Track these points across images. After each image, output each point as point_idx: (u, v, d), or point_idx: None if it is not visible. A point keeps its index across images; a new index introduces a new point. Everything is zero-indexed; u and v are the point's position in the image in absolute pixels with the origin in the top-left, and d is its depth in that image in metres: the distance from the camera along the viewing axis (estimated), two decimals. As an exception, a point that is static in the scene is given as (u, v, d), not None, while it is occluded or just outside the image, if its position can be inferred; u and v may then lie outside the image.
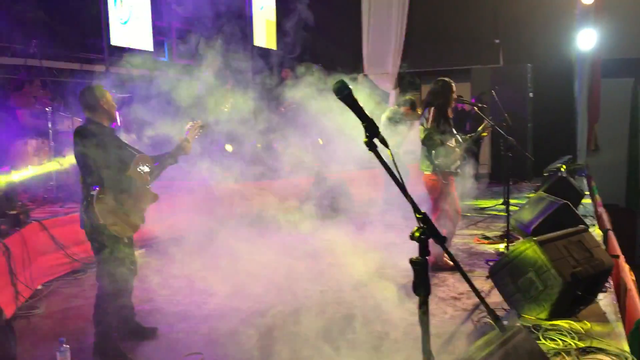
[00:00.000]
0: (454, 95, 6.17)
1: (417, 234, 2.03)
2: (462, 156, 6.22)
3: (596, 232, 6.93)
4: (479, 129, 6.41)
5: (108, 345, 4.24)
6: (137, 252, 6.83)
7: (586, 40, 12.72)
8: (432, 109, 6.03)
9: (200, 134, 4.83)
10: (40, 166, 7.45)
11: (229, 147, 9.82)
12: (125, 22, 10.06)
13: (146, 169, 4.44)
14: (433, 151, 5.97)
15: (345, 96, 1.99)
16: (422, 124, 6.08)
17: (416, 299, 2.08)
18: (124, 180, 4.26)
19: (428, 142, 5.99)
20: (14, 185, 6.03)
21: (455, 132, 6.22)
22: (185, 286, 5.88)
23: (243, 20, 12.36)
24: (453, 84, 6.16)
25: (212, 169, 8.93)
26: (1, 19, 7.97)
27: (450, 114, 6.21)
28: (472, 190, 10.70)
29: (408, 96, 9.73)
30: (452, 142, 6.08)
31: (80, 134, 4.21)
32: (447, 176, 6.03)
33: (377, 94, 10.80)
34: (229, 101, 10.14)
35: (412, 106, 9.42)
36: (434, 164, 5.98)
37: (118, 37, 9.81)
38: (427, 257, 2.03)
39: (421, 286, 2.01)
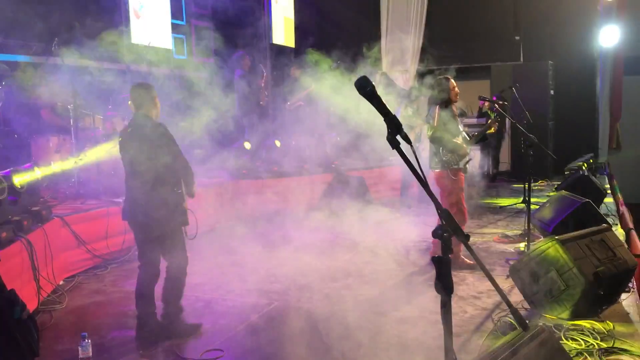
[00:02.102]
0: (456, 91, 6.21)
1: (439, 232, 2.01)
2: (470, 152, 6.22)
3: (618, 231, 6.84)
4: (487, 123, 6.44)
5: (148, 327, 4.37)
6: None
7: (608, 37, 12.55)
8: (437, 107, 6.09)
9: None
10: (62, 163, 7.53)
11: (247, 145, 9.86)
12: (146, 20, 10.12)
13: None
14: (441, 148, 6.01)
15: (368, 92, 1.97)
16: (428, 122, 6.18)
17: (435, 297, 2.06)
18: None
19: (434, 140, 6.05)
20: (36, 182, 6.09)
21: (462, 129, 6.24)
22: (204, 282, 5.90)
23: (262, 18, 12.38)
24: (452, 80, 6.21)
25: (230, 166, 8.99)
26: (23, 18, 8.06)
27: (456, 111, 6.27)
28: (489, 188, 10.65)
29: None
30: (459, 139, 6.08)
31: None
32: (456, 172, 6.04)
33: (396, 91, 10.75)
34: (264, 98, 10.23)
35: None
36: (442, 161, 6.02)
37: (138, 34, 9.89)
38: (449, 256, 2.02)
39: (444, 285, 1.99)
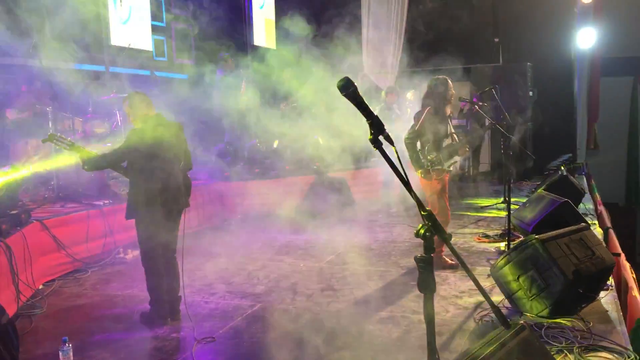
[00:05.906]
0: (452, 92, 6.06)
1: (422, 232, 2.03)
2: (458, 153, 6.15)
3: (597, 230, 6.93)
4: (458, 143, 6.16)
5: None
6: (135, 253, 6.87)
7: (586, 38, 12.73)
8: (427, 109, 5.96)
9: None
10: (40, 166, 7.43)
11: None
12: (126, 22, 10.05)
13: None
14: (426, 148, 5.92)
15: (351, 93, 1.98)
16: (414, 121, 6.04)
17: (417, 297, 2.08)
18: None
19: (408, 144, 5.96)
20: (15, 185, 6.01)
21: (453, 130, 6.19)
22: (186, 285, 5.84)
23: (242, 19, 12.35)
24: (449, 81, 6.05)
25: (212, 168, 8.94)
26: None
27: (449, 112, 6.15)
28: (470, 188, 10.74)
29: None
30: (447, 141, 6.04)
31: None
32: (439, 174, 6.00)
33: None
34: (243, 99, 10.19)
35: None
36: (424, 161, 5.89)
37: (118, 36, 9.80)
38: (432, 255, 2.03)
39: (426, 284, 2.01)
